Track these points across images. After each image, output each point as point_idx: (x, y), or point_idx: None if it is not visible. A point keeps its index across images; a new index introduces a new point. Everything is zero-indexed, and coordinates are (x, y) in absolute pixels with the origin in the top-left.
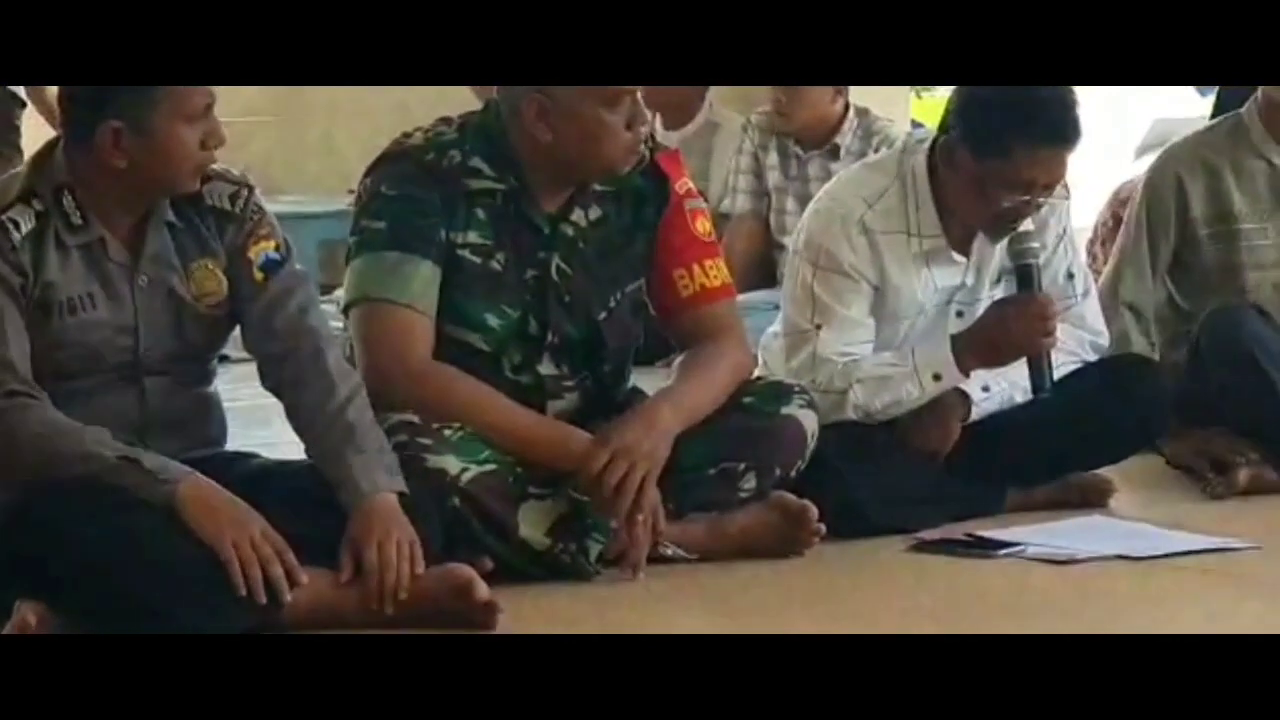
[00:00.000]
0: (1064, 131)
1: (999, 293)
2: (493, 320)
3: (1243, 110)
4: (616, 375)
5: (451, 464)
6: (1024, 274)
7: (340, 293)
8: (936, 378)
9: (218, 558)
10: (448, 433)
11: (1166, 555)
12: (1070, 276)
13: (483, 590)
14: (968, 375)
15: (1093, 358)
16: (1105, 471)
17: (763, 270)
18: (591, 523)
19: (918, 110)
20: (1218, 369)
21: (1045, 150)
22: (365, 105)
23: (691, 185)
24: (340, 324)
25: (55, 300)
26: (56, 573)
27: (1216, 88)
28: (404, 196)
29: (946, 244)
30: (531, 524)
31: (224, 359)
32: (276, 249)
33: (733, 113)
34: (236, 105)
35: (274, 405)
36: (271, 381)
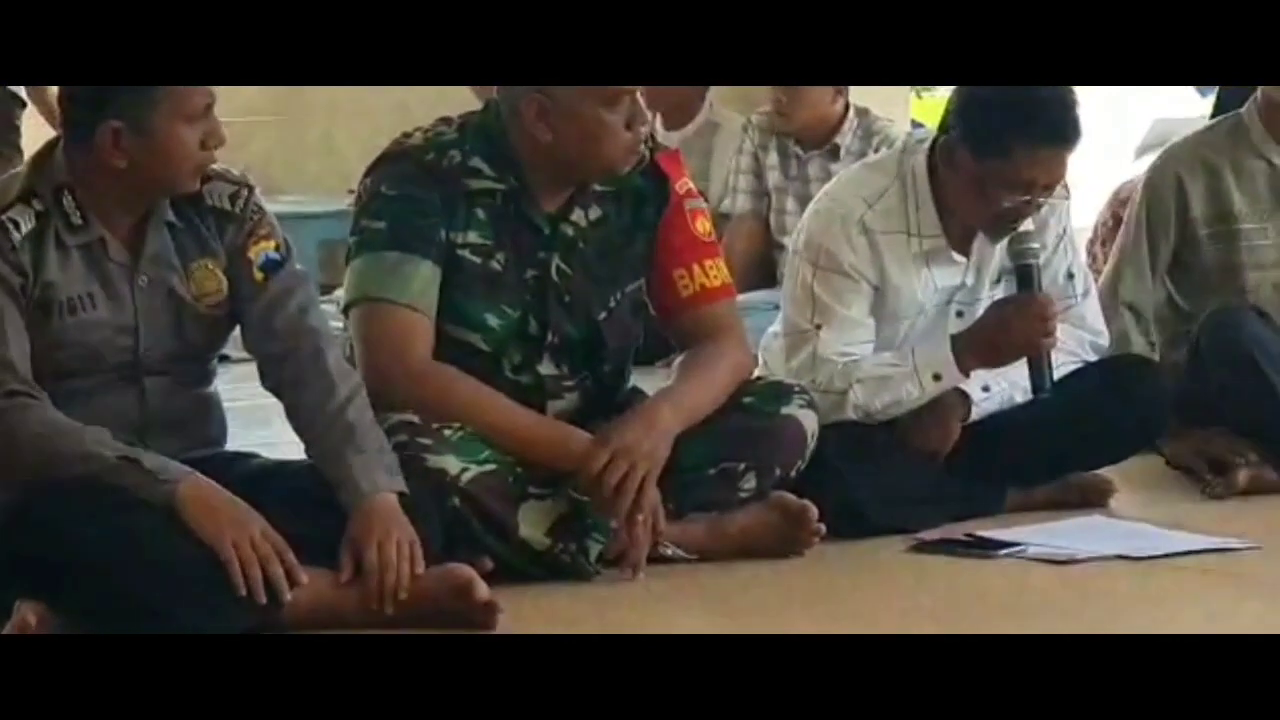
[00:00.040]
0: (1064, 131)
1: (999, 293)
2: (493, 320)
3: (1242, 110)
4: (616, 375)
5: (451, 464)
6: (1024, 274)
7: (340, 293)
8: (936, 378)
9: (218, 557)
10: (448, 433)
11: (1166, 555)
12: (1070, 276)
13: (483, 590)
14: (968, 375)
15: (1093, 358)
16: (1105, 471)
17: (763, 270)
18: (591, 523)
19: (918, 110)
20: (1217, 370)
21: (1045, 150)
22: (365, 105)
23: (691, 185)
24: (340, 324)
25: (55, 300)
26: (56, 573)
27: (1216, 88)
28: (404, 196)
29: (946, 244)
30: (531, 524)
31: (224, 359)
32: (276, 249)
33: (733, 113)
34: (236, 105)
35: (274, 405)
36: (271, 381)
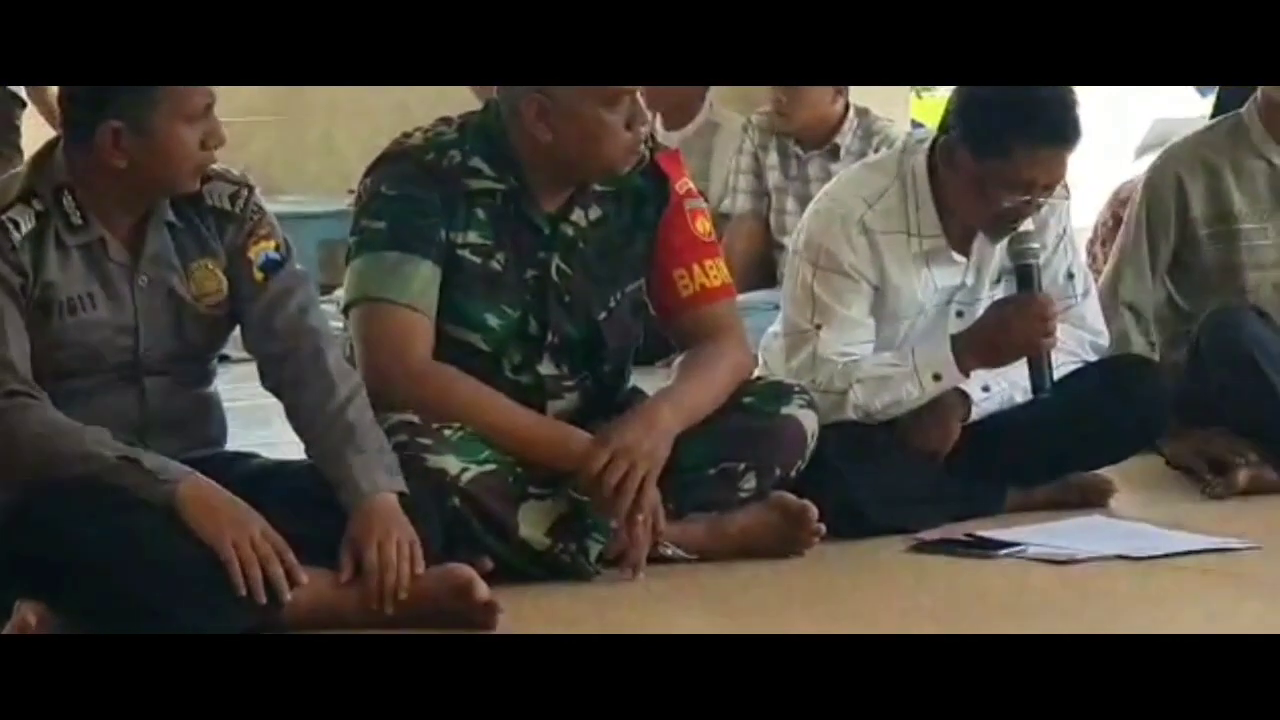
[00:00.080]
0: (1064, 131)
1: (999, 293)
2: (493, 320)
3: (1242, 110)
4: (616, 375)
5: (451, 464)
6: (1024, 274)
7: (340, 293)
8: (936, 378)
9: (218, 557)
10: (448, 433)
11: (1166, 555)
12: (1070, 276)
13: (483, 590)
14: (968, 375)
15: (1093, 358)
16: (1105, 471)
17: (763, 270)
18: (591, 523)
19: (918, 110)
20: (1217, 370)
21: (1045, 150)
22: (365, 105)
23: (691, 185)
24: (340, 324)
25: (55, 300)
26: (56, 573)
27: (1216, 88)
28: (404, 196)
29: (946, 244)
30: (531, 524)
31: (224, 359)
32: (276, 249)
33: (733, 113)
34: (236, 105)
35: (274, 405)
36: (271, 381)
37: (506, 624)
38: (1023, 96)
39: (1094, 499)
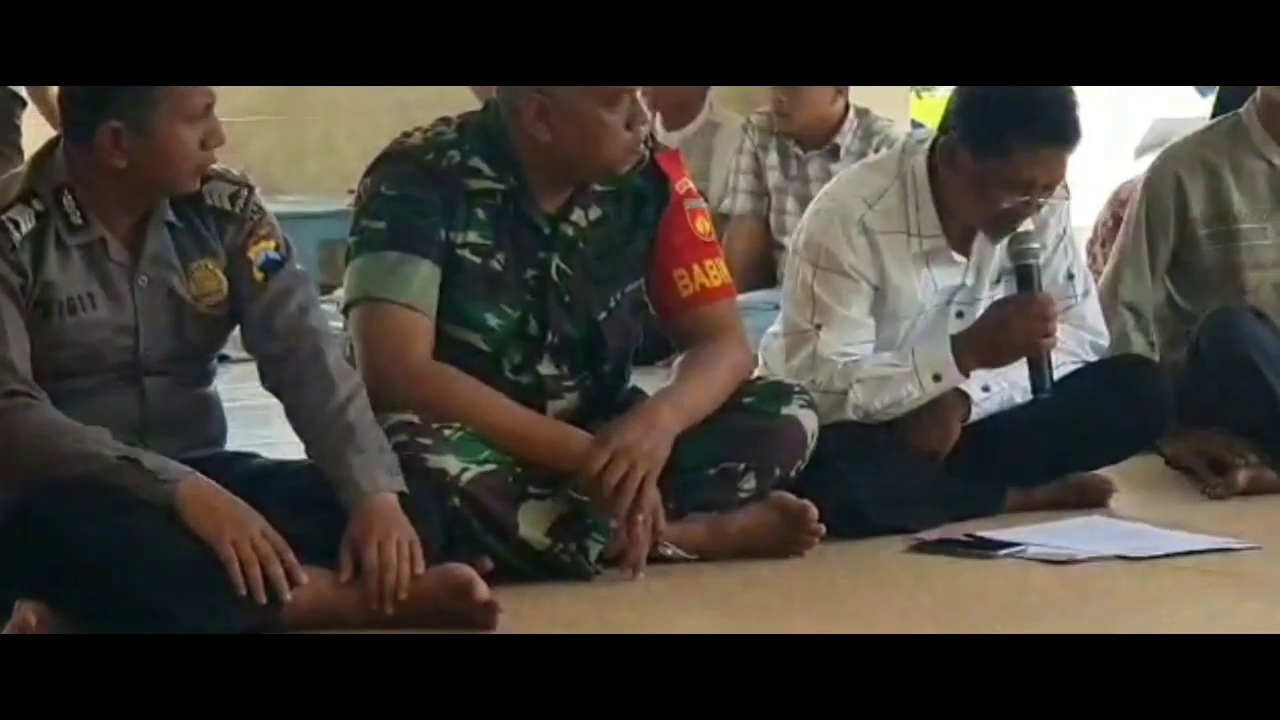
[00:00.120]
0: (1064, 132)
1: (999, 293)
2: (493, 320)
3: (1241, 110)
4: (616, 375)
5: (451, 464)
6: (1024, 274)
7: (340, 293)
8: (936, 378)
9: (218, 557)
10: (448, 433)
11: (1166, 555)
12: (1070, 277)
13: (483, 590)
14: (968, 375)
15: (1093, 358)
16: (1105, 471)
17: (763, 270)
18: (591, 523)
19: (918, 110)
20: (1216, 371)
21: (1045, 150)
22: (365, 105)
23: (691, 185)
24: (340, 324)
25: (55, 300)
26: (56, 572)
27: (1216, 88)
28: (404, 196)
29: (946, 244)
30: (531, 524)
31: (224, 359)
32: (276, 249)
33: (733, 113)
34: (236, 105)
35: (274, 405)
36: (271, 381)
37: (506, 624)
38: (1023, 96)
39: (1094, 499)
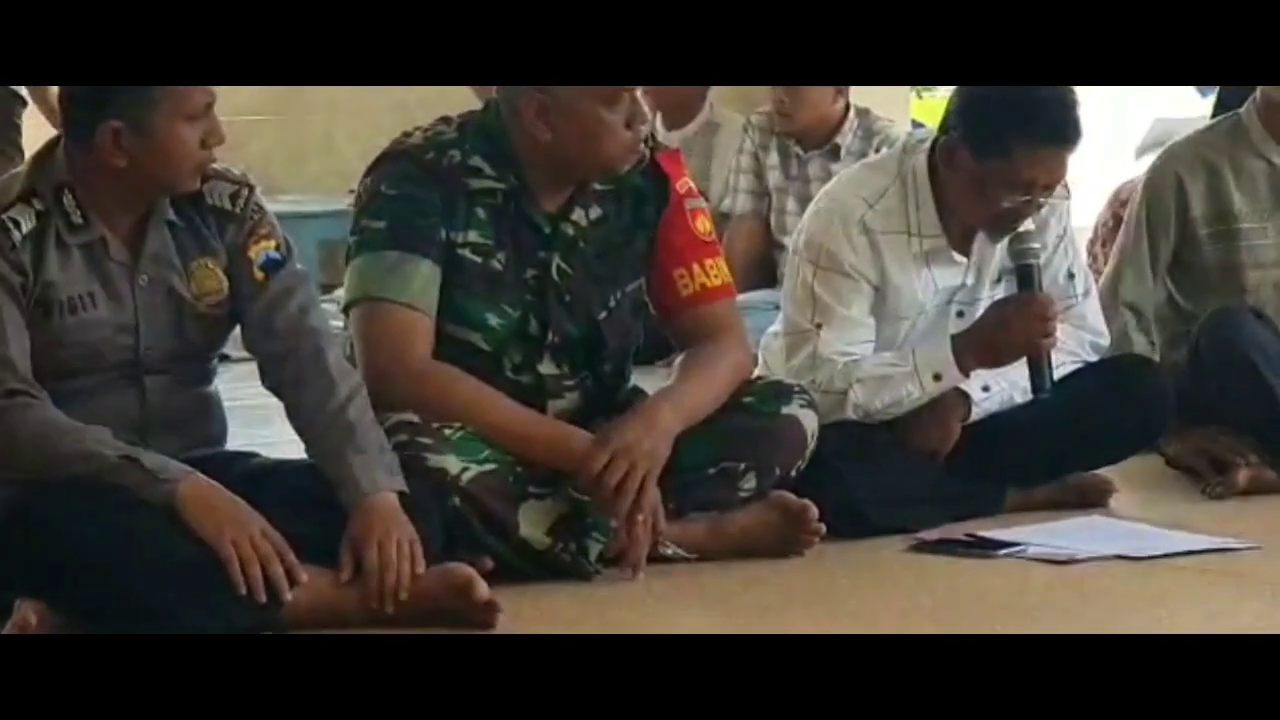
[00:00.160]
0: (1064, 131)
1: (999, 293)
2: (493, 320)
3: (1241, 110)
4: (617, 375)
5: (452, 463)
6: (1024, 274)
7: (341, 292)
8: (937, 378)
9: (218, 556)
10: (448, 432)
11: (1166, 555)
12: (1071, 276)
13: (483, 590)
14: (968, 375)
15: (1093, 358)
16: (1105, 471)
17: (763, 270)
18: (591, 522)
19: (918, 110)
20: (1216, 372)
21: (1045, 150)
22: (365, 105)
23: (692, 185)
24: (340, 323)
25: (56, 299)
26: (57, 572)
27: (1216, 88)
28: (404, 196)
29: (947, 244)
30: (532, 523)
31: (224, 358)
32: (277, 248)
33: (733, 113)
34: (236, 105)
35: (274, 404)
36: (272, 381)
37: (506, 624)
38: (1023, 96)
39: (1094, 499)
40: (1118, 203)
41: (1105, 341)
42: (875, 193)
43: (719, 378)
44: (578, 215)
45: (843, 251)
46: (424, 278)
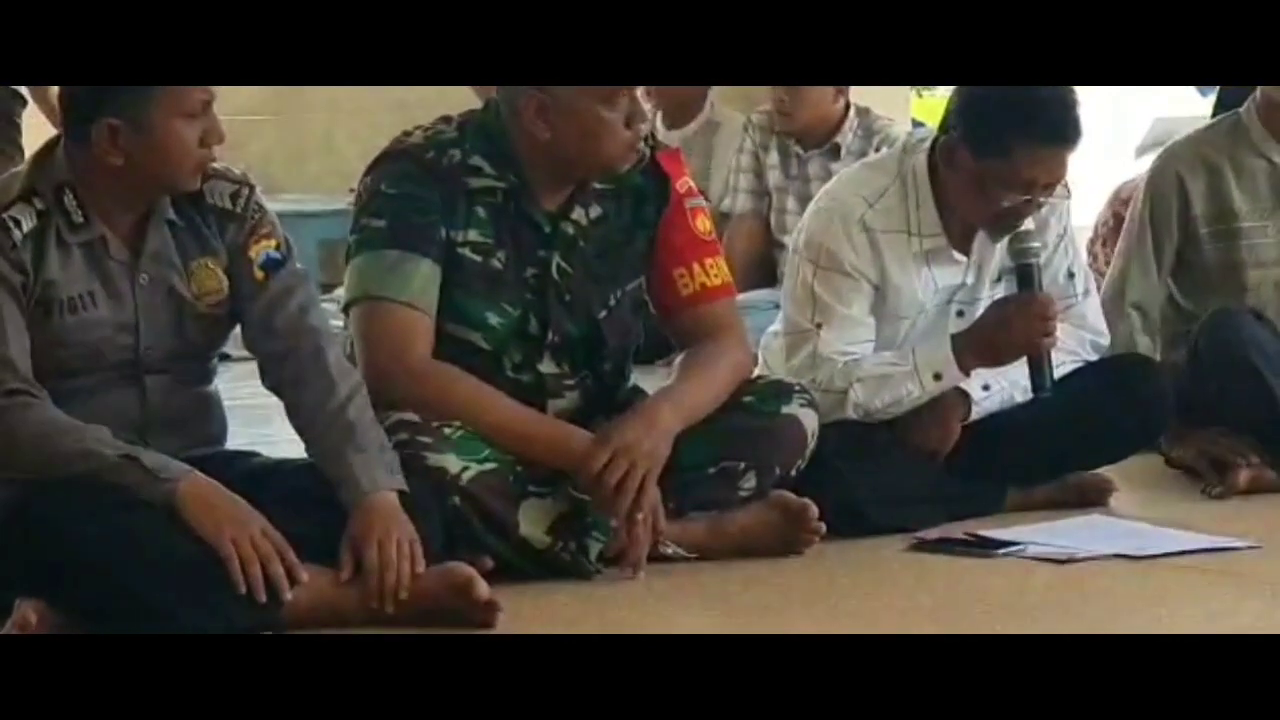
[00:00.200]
0: (1064, 131)
1: (999, 292)
2: (493, 319)
3: (1241, 110)
4: (617, 374)
5: (452, 462)
6: (1024, 273)
7: (341, 291)
8: (937, 377)
9: (218, 556)
10: (448, 431)
11: (1166, 555)
12: (1071, 276)
13: (483, 589)
14: (968, 374)
15: (1093, 357)
16: (1105, 471)
17: (763, 269)
18: (591, 521)
19: (918, 110)
20: (1215, 373)
21: (1045, 150)
22: (365, 105)
23: (692, 184)
24: (340, 322)
25: (56, 298)
26: (57, 571)
27: (1216, 88)
28: (404, 195)
29: (947, 243)
30: (532, 522)
31: (224, 357)
32: (277, 248)
33: (734, 112)
34: (236, 105)
35: (274, 404)
36: (272, 380)
37: (506, 623)
38: (1023, 96)
39: (1094, 498)
40: (1118, 202)
41: (1105, 341)
42: (875, 192)
43: (719, 377)
44: (578, 214)
45: (843, 251)
46: (424, 277)
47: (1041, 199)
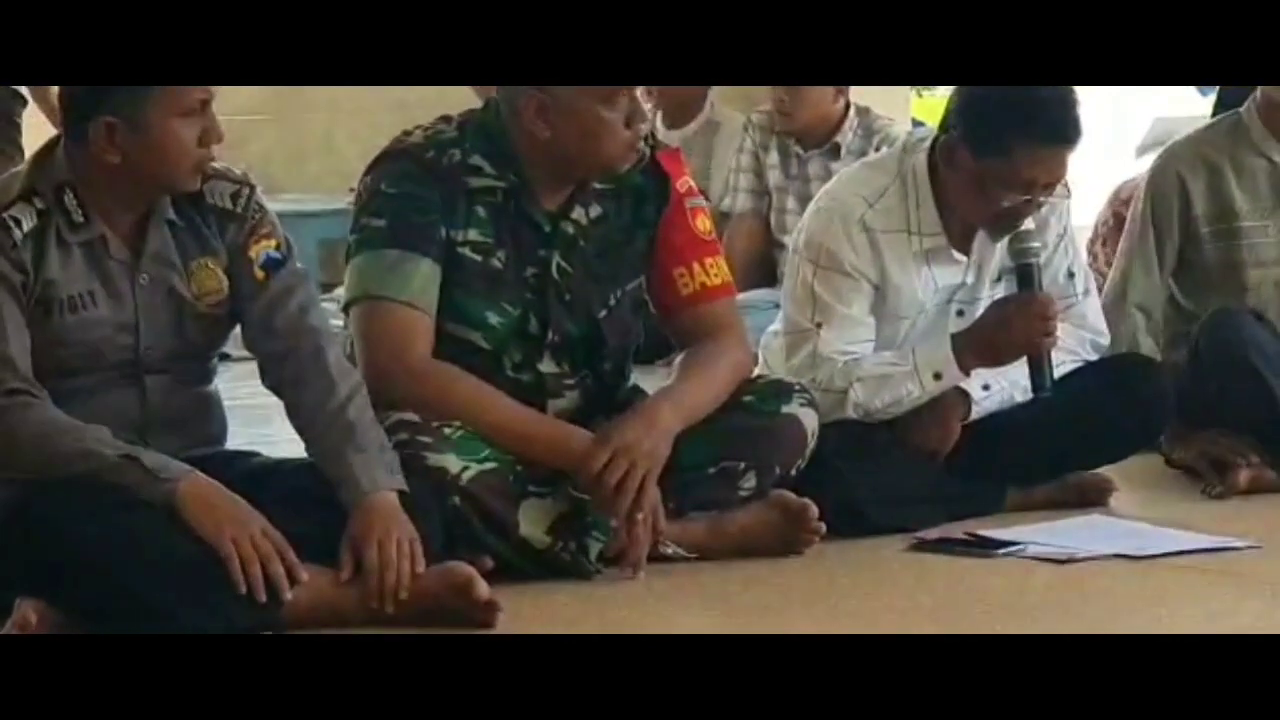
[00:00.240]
0: (1064, 131)
1: (999, 292)
2: (493, 318)
3: (1242, 109)
4: (617, 374)
5: (452, 462)
6: (1024, 273)
7: (341, 291)
8: (937, 377)
9: (218, 555)
10: (448, 431)
11: (1166, 555)
12: (1071, 275)
13: (483, 589)
14: (968, 374)
15: (1093, 357)
16: (1105, 471)
17: (763, 269)
18: (591, 521)
19: (918, 109)
20: (1216, 373)
21: (1045, 150)
22: (365, 104)
23: (692, 184)
24: (340, 322)
25: (56, 298)
26: (57, 571)
27: (1216, 88)
28: (404, 194)
29: (947, 243)
30: (532, 522)
31: (224, 357)
32: (277, 248)
33: (734, 112)
34: (235, 104)
35: (274, 403)
36: (272, 380)
37: (506, 623)
38: (1023, 96)
39: (1094, 498)
40: (1118, 201)
41: (1105, 340)
42: (875, 191)
43: (719, 377)
44: (578, 214)
45: (843, 250)
46: (424, 276)
47: (1041, 199)
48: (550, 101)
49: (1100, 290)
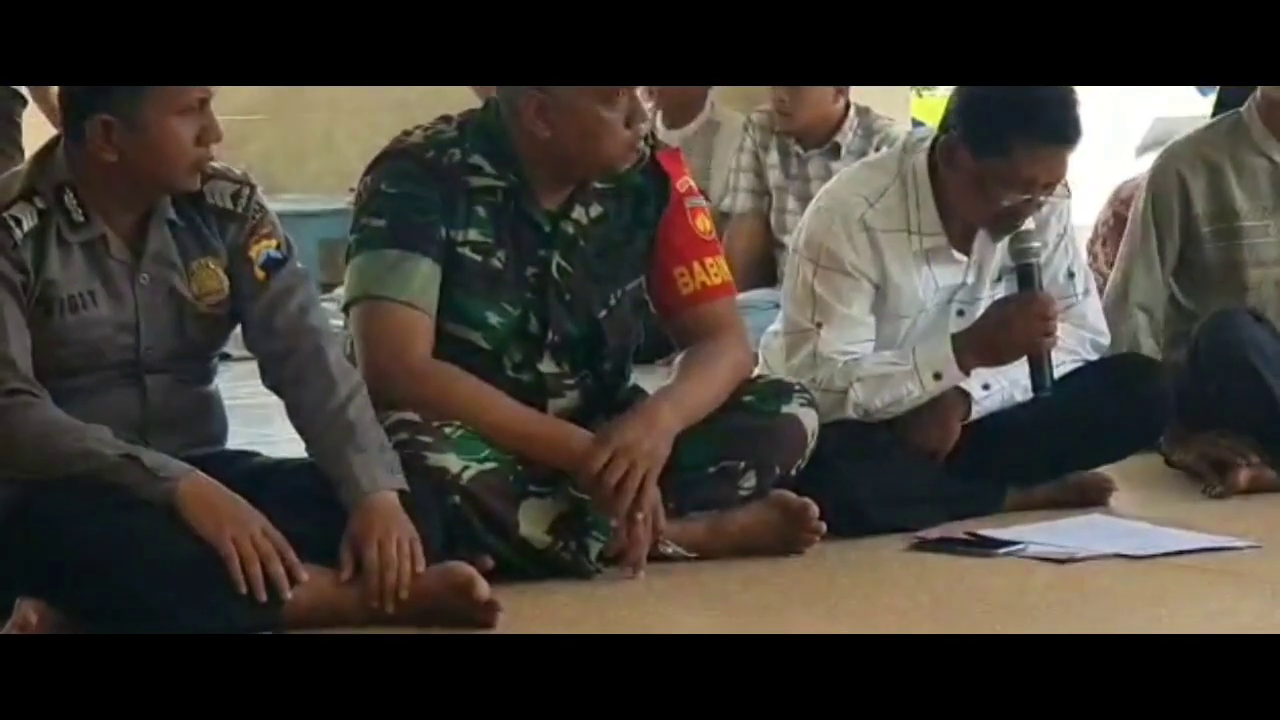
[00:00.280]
0: (1064, 131)
1: (1000, 291)
2: (493, 318)
3: (1242, 109)
4: (617, 373)
5: (452, 462)
6: (1025, 273)
7: (341, 291)
8: (937, 376)
9: (218, 555)
10: (448, 431)
11: (1166, 554)
12: (1071, 275)
13: (483, 588)
14: (968, 374)
15: (1093, 357)
16: (1105, 470)
17: (763, 269)
18: (592, 521)
19: (918, 109)
20: (1216, 374)
21: (1045, 149)
22: (365, 104)
23: (692, 183)
24: (341, 322)
25: (56, 298)
26: (57, 571)
27: (1216, 88)
28: (404, 194)
29: (947, 242)
30: (532, 522)
31: (225, 357)
32: (278, 247)
33: (734, 112)
34: (235, 104)
35: (275, 403)
36: (272, 380)
37: (506, 623)
38: (1023, 96)
39: (1094, 498)
40: (1118, 201)
41: (1106, 340)
42: (875, 191)
43: (719, 376)
44: (578, 213)
45: (843, 250)
46: (424, 276)
47: (1041, 198)
48: (550, 101)
49: (1101, 290)
